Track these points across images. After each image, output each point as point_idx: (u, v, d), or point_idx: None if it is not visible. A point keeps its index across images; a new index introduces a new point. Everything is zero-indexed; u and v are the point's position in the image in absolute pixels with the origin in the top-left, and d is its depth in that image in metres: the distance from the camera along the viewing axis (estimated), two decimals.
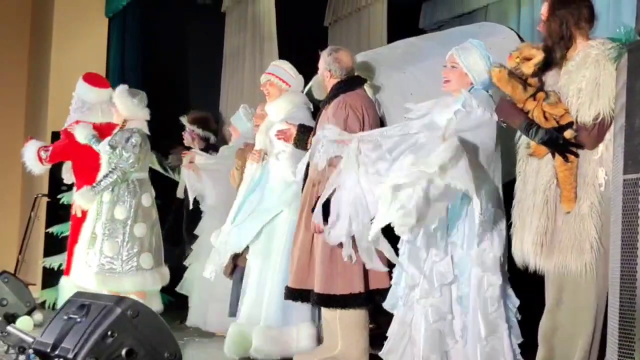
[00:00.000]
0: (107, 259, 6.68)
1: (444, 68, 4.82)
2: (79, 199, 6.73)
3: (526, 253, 3.97)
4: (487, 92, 4.50)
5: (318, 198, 5.03)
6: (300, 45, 10.22)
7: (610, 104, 3.77)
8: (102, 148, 6.91)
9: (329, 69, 5.37)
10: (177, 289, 7.34)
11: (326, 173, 5.03)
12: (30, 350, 4.96)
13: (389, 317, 4.71)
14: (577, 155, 3.87)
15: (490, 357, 4.26)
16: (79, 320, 4.06)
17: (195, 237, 7.34)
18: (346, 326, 5.15)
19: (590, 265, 3.77)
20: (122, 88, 7.07)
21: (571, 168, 3.85)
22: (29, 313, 6.94)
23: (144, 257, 6.74)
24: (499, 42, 5.41)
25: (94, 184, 6.73)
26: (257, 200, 5.82)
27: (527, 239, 3.95)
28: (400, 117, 5.28)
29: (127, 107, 6.96)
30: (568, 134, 3.86)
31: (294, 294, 5.27)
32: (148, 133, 7.00)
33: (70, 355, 3.89)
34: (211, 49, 10.38)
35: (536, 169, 4.00)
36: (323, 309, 5.30)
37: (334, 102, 5.26)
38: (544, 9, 4.01)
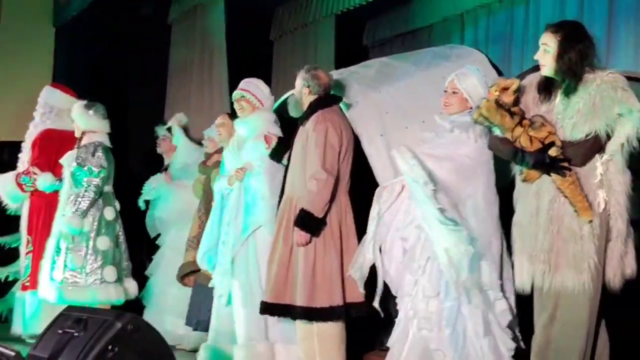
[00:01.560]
0: (70, 272, 6.64)
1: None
2: (69, 228, 6.64)
3: (529, 271, 4.11)
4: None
5: (303, 211, 5.12)
6: (247, 58, 10.36)
7: (605, 125, 3.95)
8: (68, 169, 6.87)
9: (307, 85, 5.47)
10: (141, 297, 7.34)
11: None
12: None
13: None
14: (569, 169, 4.03)
15: None
16: (76, 334, 4.04)
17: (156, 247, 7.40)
18: (324, 341, 5.24)
19: (588, 284, 3.95)
20: (79, 103, 7.07)
21: (574, 181, 4.01)
22: None
23: (108, 271, 6.71)
24: (469, 64, 5.56)
25: (75, 209, 6.65)
26: (234, 217, 5.88)
27: (530, 258, 4.10)
28: (376, 135, 5.44)
29: (85, 121, 6.94)
30: (553, 151, 4.04)
31: (272, 309, 5.32)
32: (110, 145, 6.97)
33: None
34: (157, 61, 10.37)
35: (535, 191, 4.16)
36: (299, 326, 5.38)
37: (312, 117, 5.36)
38: (548, 40, 4.15)
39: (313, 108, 5.41)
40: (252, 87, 6.10)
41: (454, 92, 4.78)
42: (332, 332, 5.23)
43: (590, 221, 3.99)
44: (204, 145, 7.48)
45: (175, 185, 7.53)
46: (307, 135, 5.34)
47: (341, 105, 5.55)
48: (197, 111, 10.05)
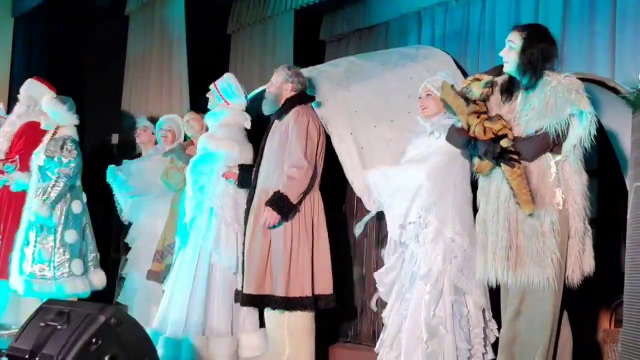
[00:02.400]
0: (39, 265, 6.68)
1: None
2: (37, 217, 6.66)
3: (491, 268, 4.29)
4: None
5: (279, 193, 5.26)
6: (205, 51, 10.41)
7: (555, 123, 4.15)
8: (36, 162, 6.89)
9: (291, 81, 5.56)
10: (119, 299, 7.36)
11: None
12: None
13: None
14: (518, 161, 4.20)
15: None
16: (59, 327, 4.12)
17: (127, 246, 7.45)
18: (293, 332, 5.36)
19: (551, 279, 4.12)
20: (52, 97, 7.09)
21: (521, 174, 4.18)
22: None
23: (75, 264, 6.76)
24: (435, 64, 5.77)
25: (45, 198, 6.68)
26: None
27: (493, 254, 4.27)
28: (346, 133, 5.58)
29: (60, 114, 7.00)
30: (504, 142, 4.21)
31: (254, 300, 5.41)
32: (77, 139, 7.02)
33: None
34: (114, 52, 10.37)
35: (496, 190, 4.33)
36: (272, 316, 5.50)
37: (293, 111, 5.45)
38: (514, 38, 4.34)
39: (292, 103, 5.51)
40: (221, 85, 6.17)
41: (427, 95, 4.94)
42: (302, 323, 5.34)
43: (531, 214, 4.17)
44: (163, 136, 7.51)
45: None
46: (285, 128, 5.42)
47: (312, 104, 5.67)
48: (155, 103, 10.09)
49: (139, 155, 7.77)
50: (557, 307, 4.18)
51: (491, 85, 4.48)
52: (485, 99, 4.47)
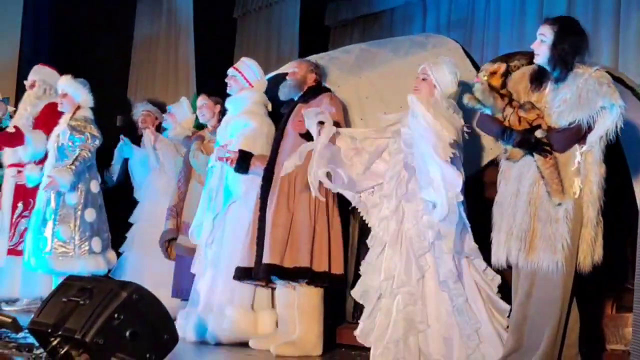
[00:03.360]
0: (59, 243, 6.85)
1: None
2: (58, 177, 6.80)
3: (505, 249, 4.41)
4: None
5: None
6: (211, 35, 10.51)
7: (588, 116, 4.25)
8: (55, 143, 7.04)
9: (315, 72, 5.78)
10: (111, 274, 7.50)
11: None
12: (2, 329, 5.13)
13: None
14: (551, 152, 4.32)
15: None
16: (81, 302, 4.23)
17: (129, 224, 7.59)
18: (303, 311, 5.50)
19: (561, 263, 4.25)
20: (71, 78, 7.26)
21: (554, 164, 4.31)
22: None
23: (95, 241, 6.99)
24: (444, 52, 5.87)
25: (70, 165, 6.84)
26: (215, 194, 6.12)
27: (508, 235, 4.40)
28: (357, 118, 5.72)
29: (81, 95, 7.19)
30: (538, 133, 4.34)
31: (292, 273, 5.48)
32: (93, 118, 7.20)
33: (77, 336, 4.07)
34: (121, 35, 10.47)
35: (517, 174, 4.44)
36: (280, 295, 5.66)
37: (323, 95, 5.65)
38: (546, 31, 4.44)
39: (317, 90, 5.71)
40: (244, 68, 6.27)
41: (424, 79, 5.05)
42: (312, 302, 5.49)
43: (560, 204, 4.28)
44: (164, 120, 7.66)
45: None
46: (315, 106, 5.54)
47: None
48: (162, 87, 10.22)
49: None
50: (566, 292, 4.31)
51: (508, 71, 4.60)
52: (504, 86, 4.59)
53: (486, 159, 5.53)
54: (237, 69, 6.24)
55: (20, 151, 7.53)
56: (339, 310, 5.86)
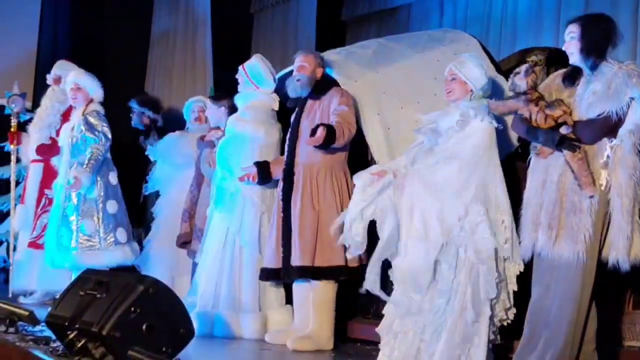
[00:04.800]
0: (85, 237, 6.89)
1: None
2: (82, 178, 6.84)
3: (529, 240, 4.40)
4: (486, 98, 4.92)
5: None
6: (228, 30, 10.54)
7: (616, 107, 4.24)
8: (69, 138, 7.07)
9: (321, 65, 5.78)
10: (135, 261, 7.53)
11: None
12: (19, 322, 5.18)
13: None
14: (579, 147, 4.31)
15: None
16: (98, 296, 4.26)
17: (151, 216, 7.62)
18: (318, 306, 5.53)
19: (582, 254, 4.22)
20: (82, 71, 7.25)
21: (582, 158, 4.29)
22: None
23: (120, 232, 7.04)
24: (462, 48, 5.86)
25: (86, 166, 6.87)
26: None
27: (535, 225, 4.38)
28: (373, 113, 5.71)
29: (94, 90, 7.20)
30: (563, 129, 4.32)
31: (326, 272, 5.52)
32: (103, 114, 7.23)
33: (94, 329, 4.09)
34: (139, 30, 10.49)
35: (545, 165, 4.44)
36: (298, 292, 5.68)
37: (334, 90, 5.66)
38: (573, 28, 4.40)
39: (327, 84, 5.71)
40: (251, 69, 6.26)
41: (453, 79, 4.99)
42: (327, 297, 5.54)
43: (592, 196, 4.27)
44: (196, 118, 7.66)
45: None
46: (327, 104, 5.59)
47: (340, 84, 5.81)
48: (179, 81, 10.24)
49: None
50: (586, 285, 4.29)
51: (532, 69, 4.60)
52: (534, 85, 4.57)
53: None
54: (244, 70, 6.25)
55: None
56: (351, 304, 5.86)
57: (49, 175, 7.56)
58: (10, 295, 7.47)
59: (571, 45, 4.41)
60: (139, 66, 10.74)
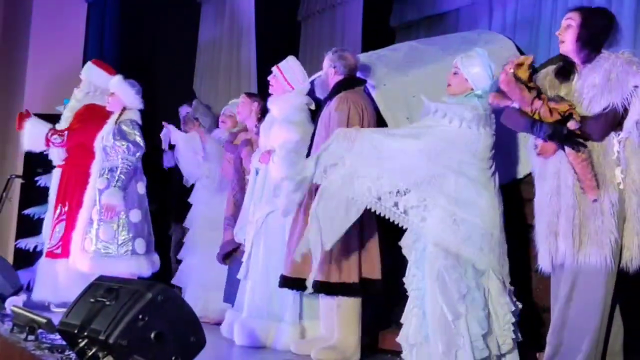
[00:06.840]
0: (102, 243, 6.82)
1: (446, 73, 5.08)
2: (111, 200, 6.81)
3: (549, 250, 4.19)
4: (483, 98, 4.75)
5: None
6: (274, 38, 10.45)
7: (621, 98, 4.04)
8: (102, 143, 7.03)
9: (333, 65, 5.58)
10: (173, 281, 7.47)
11: None
12: (39, 330, 5.12)
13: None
14: (584, 146, 4.11)
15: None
16: (108, 303, 4.18)
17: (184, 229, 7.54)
18: (343, 317, 5.37)
19: (609, 259, 4.01)
20: (121, 79, 7.20)
21: (586, 159, 4.09)
22: (16, 293, 7.05)
23: (139, 242, 6.90)
24: (497, 49, 5.67)
25: (115, 184, 6.84)
26: (259, 198, 6.03)
27: (556, 235, 4.17)
28: (402, 117, 5.55)
29: (128, 97, 7.12)
30: (571, 124, 4.10)
31: (339, 289, 5.37)
32: (140, 123, 7.14)
33: (101, 337, 4.00)
34: (185, 39, 10.48)
35: (555, 170, 4.23)
36: (323, 303, 5.52)
37: (336, 97, 5.47)
38: (573, 16, 4.25)
39: (337, 89, 5.52)
40: (286, 69, 6.15)
41: (455, 73, 4.85)
42: (352, 308, 5.37)
43: (595, 200, 4.07)
44: (221, 121, 7.59)
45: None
46: (329, 114, 5.44)
47: (368, 87, 5.65)
48: (224, 91, 10.18)
49: None
50: (609, 293, 4.09)
51: (533, 65, 4.38)
52: (531, 79, 4.37)
53: (522, 171, 5.30)
54: (279, 69, 6.12)
55: None
56: (382, 314, 5.71)
57: (68, 182, 7.49)
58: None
59: (567, 32, 4.23)
60: (187, 75, 10.70)
